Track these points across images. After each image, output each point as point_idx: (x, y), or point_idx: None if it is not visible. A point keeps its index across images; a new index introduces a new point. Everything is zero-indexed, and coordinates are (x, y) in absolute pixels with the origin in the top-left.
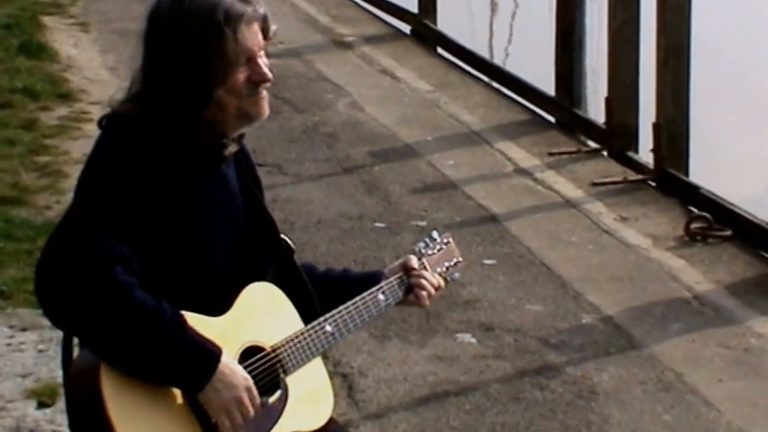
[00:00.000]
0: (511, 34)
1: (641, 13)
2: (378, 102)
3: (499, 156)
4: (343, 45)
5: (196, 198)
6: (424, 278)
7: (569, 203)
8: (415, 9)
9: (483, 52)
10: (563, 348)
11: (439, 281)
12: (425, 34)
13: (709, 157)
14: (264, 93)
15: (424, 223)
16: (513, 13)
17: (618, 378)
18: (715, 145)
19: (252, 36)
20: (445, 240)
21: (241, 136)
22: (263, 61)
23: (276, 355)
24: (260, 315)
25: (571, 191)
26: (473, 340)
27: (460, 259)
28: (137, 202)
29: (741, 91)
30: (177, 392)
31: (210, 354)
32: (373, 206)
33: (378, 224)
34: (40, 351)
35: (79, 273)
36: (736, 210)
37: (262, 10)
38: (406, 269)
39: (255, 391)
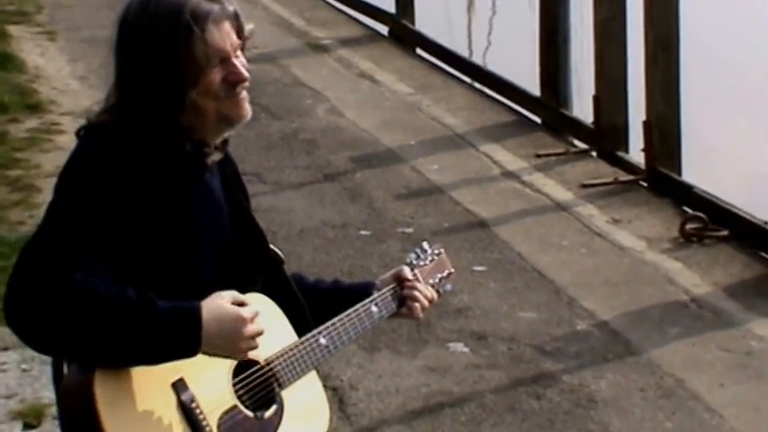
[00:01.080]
0: (489, 33)
1: (628, 7)
2: (357, 106)
3: (485, 159)
4: (319, 48)
5: (179, 208)
6: (418, 290)
7: (559, 206)
8: (392, 9)
9: (463, 52)
10: (559, 356)
11: (432, 293)
12: (403, 35)
13: (702, 156)
14: (244, 93)
15: (410, 230)
16: (492, 10)
17: (617, 385)
18: (707, 142)
19: (223, 35)
20: (437, 251)
21: (225, 143)
22: (239, 61)
23: (270, 369)
24: None
25: (561, 193)
26: (466, 350)
27: (452, 270)
28: (112, 214)
29: (732, 85)
30: (172, 402)
31: (190, 311)
32: (357, 214)
33: (363, 232)
34: (24, 371)
35: (41, 284)
36: (732, 209)
37: (231, 8)
38: (399, 280)
39: (252, 312)
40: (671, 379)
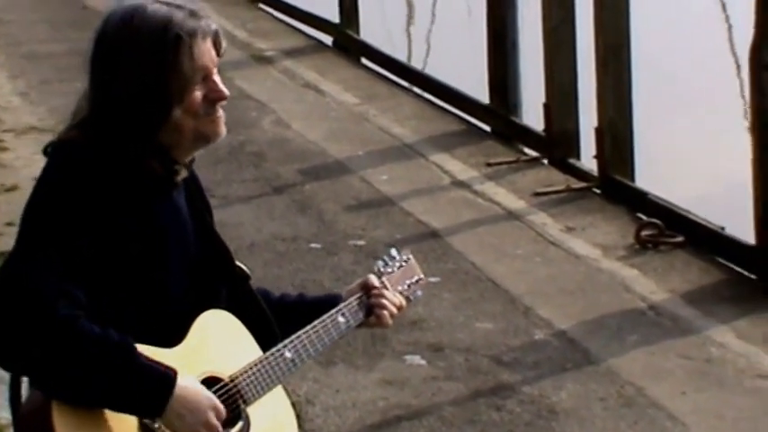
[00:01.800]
0: (428, 43)
1: (577, 13)
2: (303, 117)
3: (435, 168)
4: (262, 60)
5: (148, 226)
6: (385, 297)
7: (512, 215)
8: (335, 19)
9: (410, 61)
10: (517, 366)
11: (400, 300)
12: (348, 45)
13: (654, 162)
14: (221, 112)
15: (362, 242)
16: (431, 20)
17: (577, 395)
18: (659, 149)
19: (206, 52)
20: (405, 258)
21: (191, 161)
22: (218, 78)
23: (235, 385)
24: (215, 344)
25: (513, 202)
26: (422, 362)
27: (422, 276)
28: (85, 232)
29: (680, 91)
30: (133, 424)
31: (164, 376)
32: (307, 226)
33: (313, 245)
34: None
35: (21, 309)
36: (688, 215)
37: (213, 26)
38: (366, 289)
39: (223, 410)
40: (631, 388)
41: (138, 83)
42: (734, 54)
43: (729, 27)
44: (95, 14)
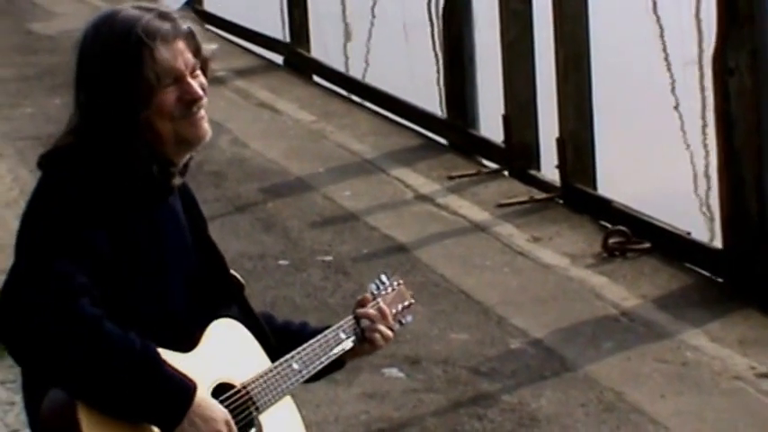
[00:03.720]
0: (366, 52)
1: (534, 24)
2: (261, 136)
3: (397, 183)
4: (214, 80)
5: (149, 231)
6: (374, 320)
7: (477, 227)
8: (286, 38)
9: (360, 77)
10: (495, 376)
11: (392, 323)
12: (299, 63)
13: (615, 170)
14: (201, 113)
15: (329, 258)
16: (369, 31)
17: (557, 402)
18: (619, 157)
19: (174, 54)
20: (395, 283)
21: (185, 167)
22: (197, 81)
23: (247, 392)
24: (227, 352)
25: (477, 214)
26: (401, 374)
27: (413, 301)
28: (90, 238)
29: (639, 99)
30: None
31: (185, 388)
32: (273, 244)
33: (281, 262)
34: None
35: (44, 308)
36: (653, 221)
37: (185, 26)
38: (360, 306)
39: (234, 426)
40: (611, 393)
41: (102, 87)
42: (696, 60)
43: (675, 33)
44: (40, 39)
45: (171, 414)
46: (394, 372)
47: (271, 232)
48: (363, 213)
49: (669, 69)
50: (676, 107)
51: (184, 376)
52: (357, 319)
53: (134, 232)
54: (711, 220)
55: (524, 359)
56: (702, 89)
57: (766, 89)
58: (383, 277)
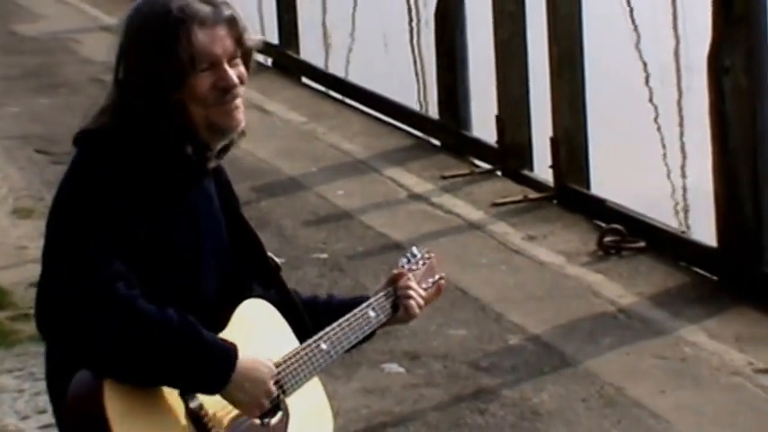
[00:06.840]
0: (349, 52)
1: (528, 24)
2: (251, 137)
3: (390, 183)
4: None
5: (183, 214)
6: (411, 288)
7: (473, 226)
8: (275, 41)
9: (354, 79)
10: (495, 371)
11: (424, 293)
12: (288, 65)
13: (608, 170)
14: (237, 102)
15: (325, 255)
16: (350, 32)
17: (558, 397)
18: (612, 157)
19: (211, 39)
20: (427, 255)
21: (223, 151)
22: (235, 70)
23: (276, 374)
24: (257, 333)
25: (472, 213)
26: (401, 369)
27: (443, 275)
28: (124, 220)
29: (633, 98)
30: (181, 409)
31: (227, 351)
32: (268, 242)
33: (277, 260)
34: None
35: (80, 291)
36: (648, 221)
37: (227, 12)
38: (393, 282)
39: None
40: (611, 388)
41: (137, 64)
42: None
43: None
44: (24, 40)
45: (217, 377)
46: (394, 367)
47: (265, 230)
48: (357, 212)
49: (663, 68)
50: (670, 106)
51: (224, 340)
52: (388, 296)
53: (168, 214)
54: (706, 218)
55: (524, 355)
56: (697, 88)
57: (761, 88)
58: (414, 249)
